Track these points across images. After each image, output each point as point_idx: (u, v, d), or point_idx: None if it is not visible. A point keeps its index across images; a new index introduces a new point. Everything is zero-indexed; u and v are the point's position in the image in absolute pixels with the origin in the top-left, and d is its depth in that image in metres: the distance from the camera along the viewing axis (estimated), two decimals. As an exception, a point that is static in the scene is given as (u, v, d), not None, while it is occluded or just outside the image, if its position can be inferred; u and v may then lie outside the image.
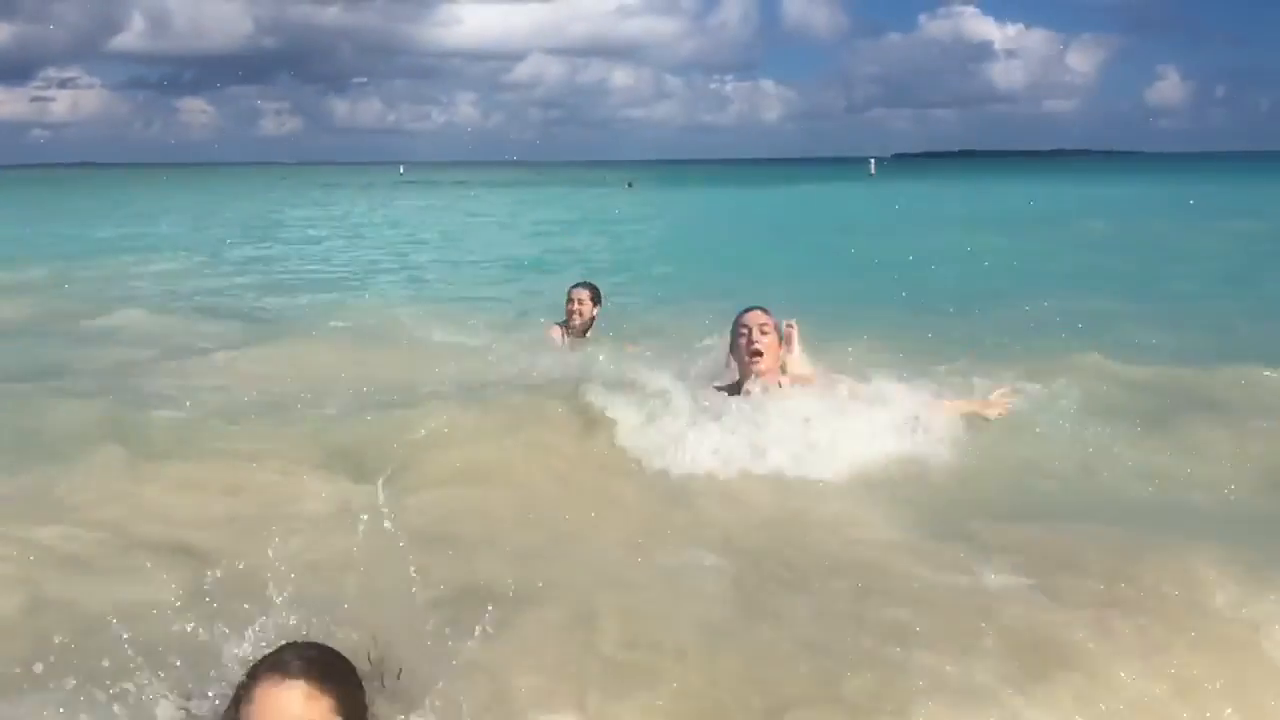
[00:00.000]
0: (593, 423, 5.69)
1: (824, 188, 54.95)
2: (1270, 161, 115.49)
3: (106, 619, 3.42)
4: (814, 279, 14.47)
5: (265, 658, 2.29)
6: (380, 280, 16.53)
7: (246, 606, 3.29)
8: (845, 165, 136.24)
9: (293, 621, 2.75)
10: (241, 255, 21.10)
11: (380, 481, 4.74)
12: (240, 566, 3.95)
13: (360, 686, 2.34)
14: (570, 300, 8.32)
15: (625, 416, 5.62)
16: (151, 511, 4.72)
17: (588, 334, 8.31)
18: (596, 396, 5.84)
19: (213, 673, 2.96)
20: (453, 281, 16.15)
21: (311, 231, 29.10)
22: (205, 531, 4.43)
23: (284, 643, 2.38)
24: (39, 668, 3.15)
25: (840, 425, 5.23)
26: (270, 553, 4.10)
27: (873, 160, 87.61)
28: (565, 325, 8.38)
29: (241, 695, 2.23)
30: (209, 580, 3.81)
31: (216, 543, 4.30)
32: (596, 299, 8.37)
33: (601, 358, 6.80)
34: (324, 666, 2.28)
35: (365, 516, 4.52)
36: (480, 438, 5.59)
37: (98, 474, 5.17)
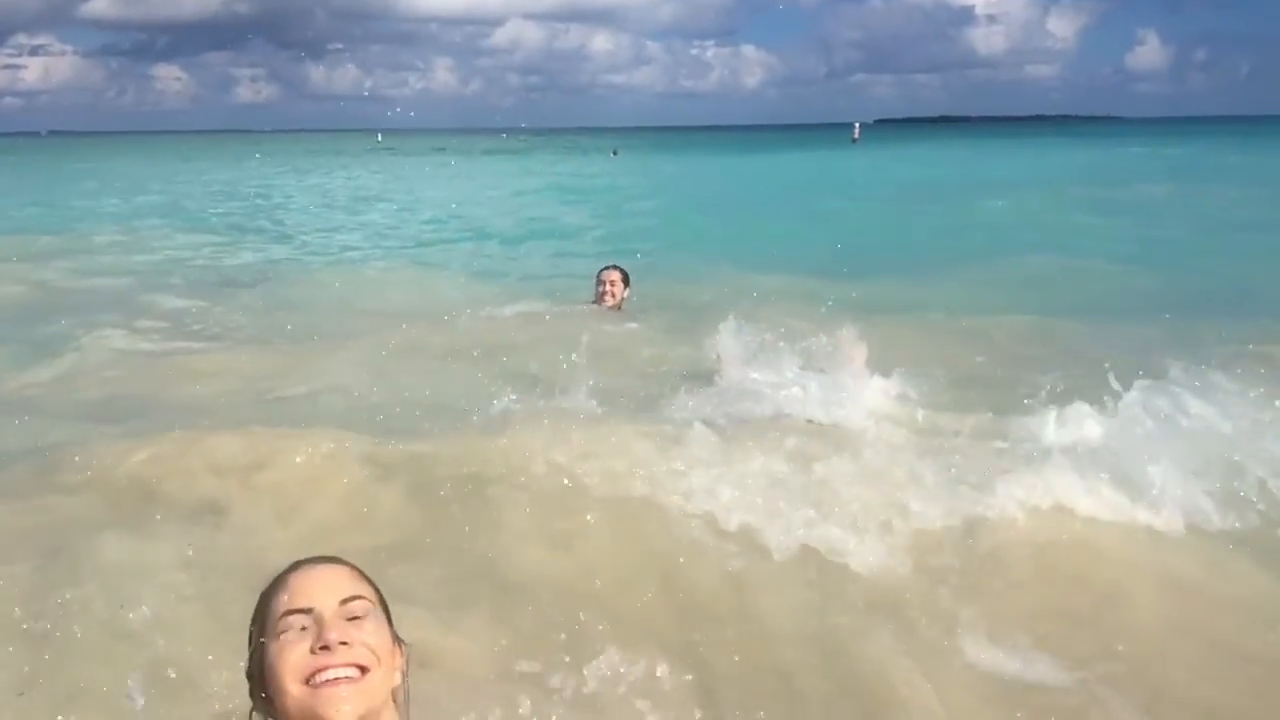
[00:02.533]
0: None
1: (810, 154, 54.71)
2: (1251, 126, 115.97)
3: (125, 581, 3.38)
4: (822, 249, 14.39)
5: (285, 568, 1.99)
6: (386, 253, 16.29)
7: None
8: (828, 131, 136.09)
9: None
10: (227, 223, 20.77)
11: (406, 462, 4.74)
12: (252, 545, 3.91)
13: None
14: (601, 282, 8.38)
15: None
16: (159, 481, 4.58)
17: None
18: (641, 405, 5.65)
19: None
20: (458, 254, 15.90)
21: (296, 200, 28.71)
22: (220, 511, 4.29)
23: None
24: (59, 625, 3.15)
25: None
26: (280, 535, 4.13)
27: (857, 125, 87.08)
28: (596, 306, 8.45)
29: (269, 596, 1.93)
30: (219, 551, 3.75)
31: (232, 523, 4.18)
32: (626, 280, 8.41)
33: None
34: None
35: (389, 496, 4.55)
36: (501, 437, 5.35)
37: (105, 446, 5.03)
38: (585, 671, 3.11)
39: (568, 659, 3.17)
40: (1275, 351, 6.45)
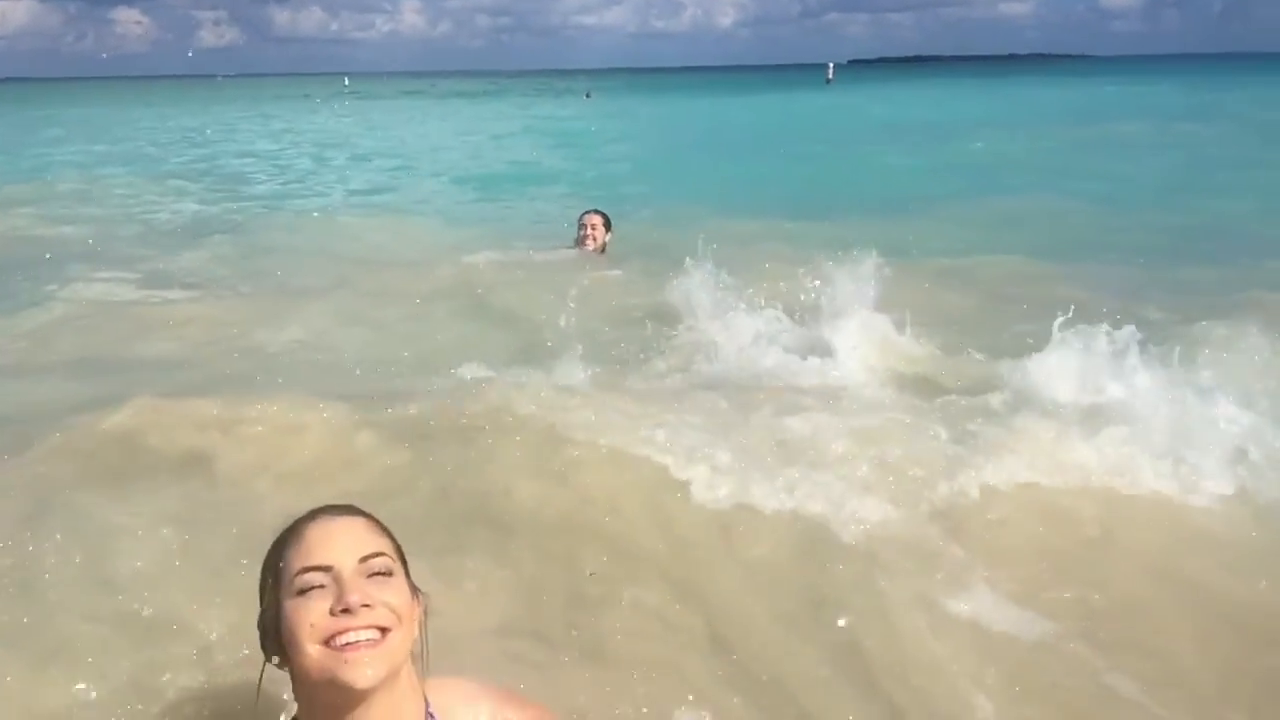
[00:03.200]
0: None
1: (784, 96, 54.28)
2: (1223, 63, 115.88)
3: (110, 537, 3.33)
4: (801, 192, 14.34)
5: (299, 518, 1.91)
6: (360, 198, 15.98)
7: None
8: (801, 72, 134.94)
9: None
10: (195, 170, 20.34)
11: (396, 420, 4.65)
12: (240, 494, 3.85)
13: None
14: (582, 226, 8.31)
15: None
16: (139, 436, 4.47)
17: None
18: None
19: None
20: (434, 199, 15.64)
21: (264, 146, 28.16)
22: (205, 465, 4.21)
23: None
24: (42, 582, 3.09)
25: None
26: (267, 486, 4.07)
27: (830, 65, 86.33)
28: (576, 250, 8.41)
29: (285, 548, 1.85)
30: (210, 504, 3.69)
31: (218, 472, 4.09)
32: (608, 224, 8.34)
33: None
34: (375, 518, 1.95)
35: (375, 449, 4.48)
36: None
37: (83, 402, 4.92)
38: (589, 614, 3.09)
39: (570, 601, 3.16)
40: (1261, 296, 6.47)
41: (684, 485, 3.88)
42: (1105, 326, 4.68)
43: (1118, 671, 2.94)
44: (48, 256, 9.54)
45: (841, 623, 3.14)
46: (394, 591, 1.81)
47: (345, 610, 1.74)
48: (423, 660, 1.87)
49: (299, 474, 4.11)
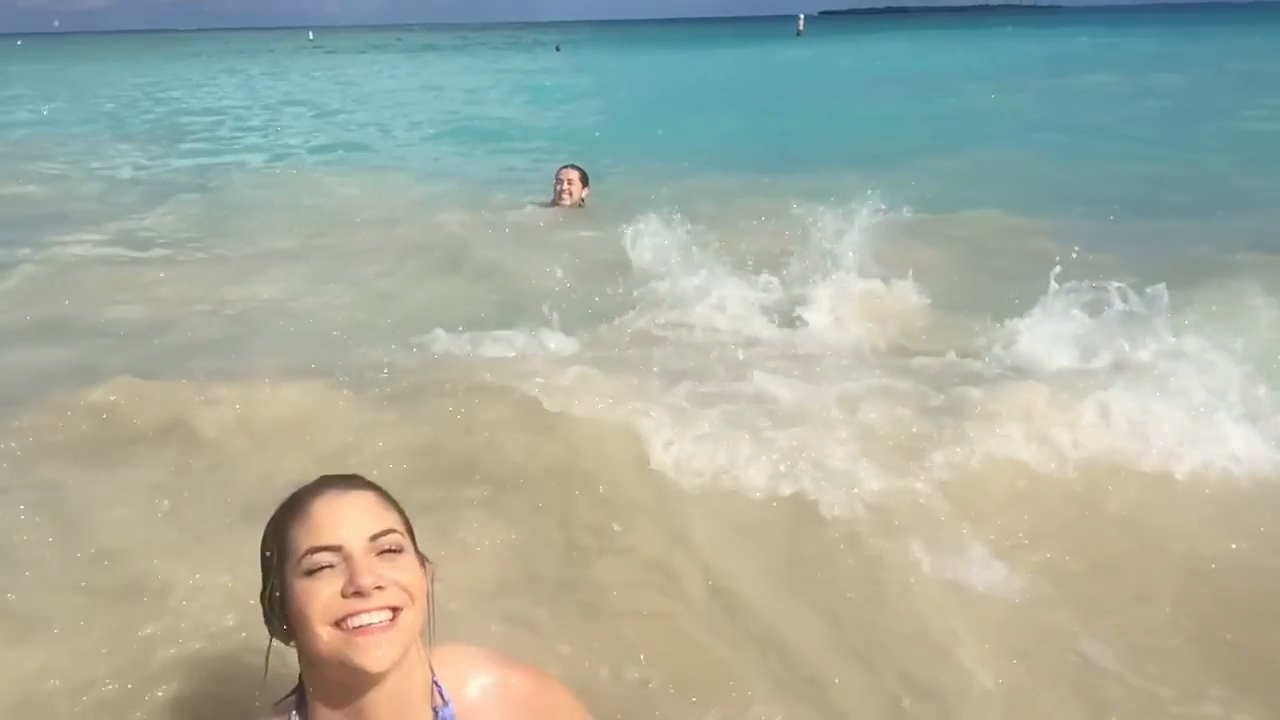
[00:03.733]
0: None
1: (755, 49, 53.85)
2: (1194, 14, 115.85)
3: (92, 509, 3.30)
4: (777, 146, 14.26)
5: (301, 489, 1.84)
6: (332, 156, 15.63)
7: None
8: (771, 24, 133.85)
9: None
10: (161, 128, 19.94)
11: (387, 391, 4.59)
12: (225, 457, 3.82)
13: None
14: (559, 181, 8.24)
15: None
16: (116, 407, 4.41)
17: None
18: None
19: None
20: (409, 156, 15.41)
21: (231, 103, 27.65)
22: (186, 432, 4.15)
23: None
24: (20, 556, 3.05)
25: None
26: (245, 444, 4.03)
27: (801, 17, 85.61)
28: (553, 206, 8.35)
29: (290, 524, 1.78)
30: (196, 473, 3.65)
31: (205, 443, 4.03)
32: (585, 179, 8.27)
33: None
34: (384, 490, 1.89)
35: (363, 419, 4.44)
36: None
37: (58, 372, 4.85)
38: (584, 569, 3.09)
39: (565, 556, 3.15)
40: (1236, 249, 6.52)
41: (669, 445, 3.86)
42: (1089, 285, 4.58)
43: (1098, 638, 2.91)
44: (11, 217, 9.38)
45: (828, 581, 3.14)
46: (405, 569, 1.76)
47: (357, 593, 1.70)
48: (428, 629, 1.84)
49: (281, 438, 4.06)
